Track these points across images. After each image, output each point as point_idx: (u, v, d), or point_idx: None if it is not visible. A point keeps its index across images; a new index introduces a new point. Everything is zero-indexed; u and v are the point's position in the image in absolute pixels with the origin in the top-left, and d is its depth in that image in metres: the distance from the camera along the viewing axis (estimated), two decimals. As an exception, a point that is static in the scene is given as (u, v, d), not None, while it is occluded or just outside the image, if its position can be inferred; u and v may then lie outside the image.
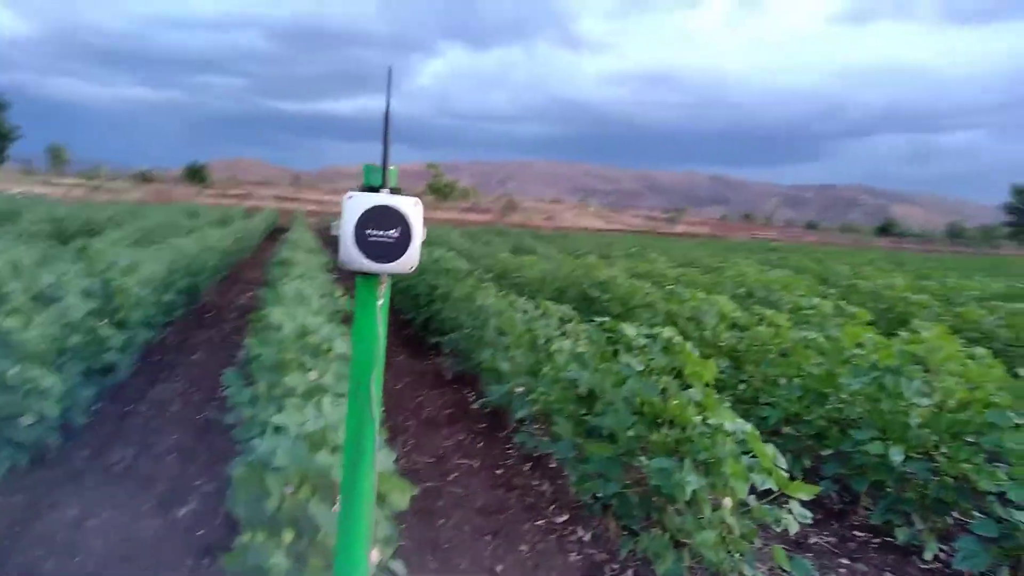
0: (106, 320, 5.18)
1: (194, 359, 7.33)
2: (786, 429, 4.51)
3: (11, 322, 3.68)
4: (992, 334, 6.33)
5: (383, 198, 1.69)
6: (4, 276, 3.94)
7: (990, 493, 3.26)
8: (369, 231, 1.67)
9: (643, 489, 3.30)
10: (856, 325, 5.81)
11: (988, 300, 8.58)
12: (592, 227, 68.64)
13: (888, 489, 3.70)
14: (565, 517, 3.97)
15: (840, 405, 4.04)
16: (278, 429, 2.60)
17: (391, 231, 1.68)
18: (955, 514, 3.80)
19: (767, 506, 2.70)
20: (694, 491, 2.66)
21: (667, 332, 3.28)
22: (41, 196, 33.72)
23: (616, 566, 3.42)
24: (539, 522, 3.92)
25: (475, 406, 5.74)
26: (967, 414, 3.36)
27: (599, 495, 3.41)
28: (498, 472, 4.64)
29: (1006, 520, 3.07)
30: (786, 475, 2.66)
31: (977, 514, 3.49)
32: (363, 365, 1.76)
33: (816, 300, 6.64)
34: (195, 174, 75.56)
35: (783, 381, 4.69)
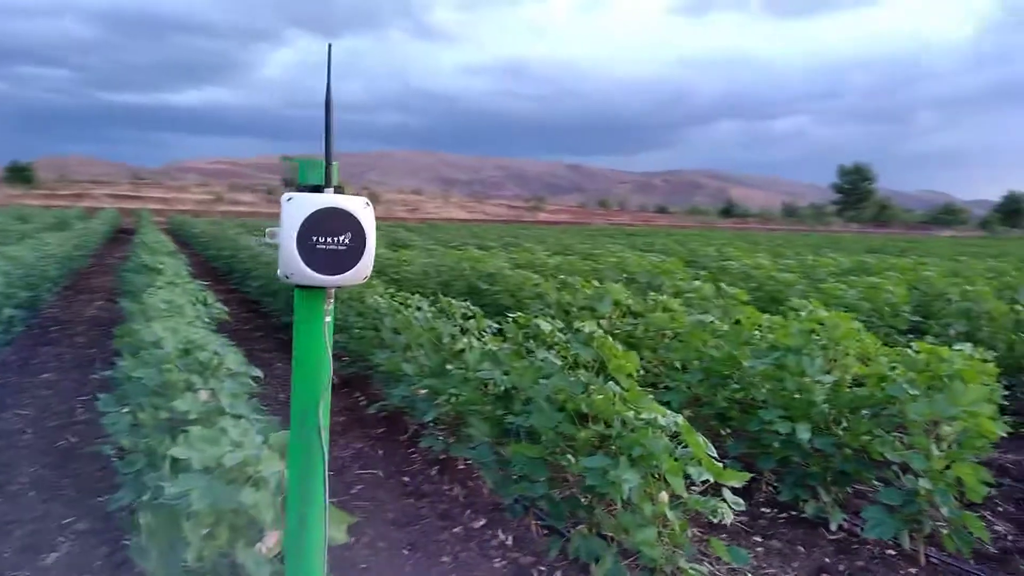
0: (-64, 344, 4.48)
1: (43, 379, 6.56)
2: (687, 412, 4.60)
3: None
4: (855, 307, 6.77)
5: (329, 199, 1.47)
6: None
7: (889, 463, 3.44)
8: (316, 238, 1.45)
9: (570, 488, 3.23)
10: (737, 305, 6.06)
11: (843, 275, 9.25)
12: (456, 217, 68.69)
13: (793, 465, 3.84)
14: (483, 521, 3.83)
15: (742, 386, 4.16)
16: (176, 462, 2.30)
17: (341, 237, 1.47)
18: (852, 485, 4.00)
19: (701, 496, 2.69)
20: (631, 489, 2.61)
21: (588, 326, 3.21)
22: None
23: (544, 568, 3.33)
24: (456, 529, 3.76)
25: (371, 411, 5.48)
26: (866, 389, 3.53)
27: (523, 497, 3.30)
28: (405, 480, 4.43)
29: (906, 487, 3.25)
30: (720, 464, 2.66)
31: (876, 483, 3.69)
32: (309, 392, 1.55)
33: (696, 283, 6.86)
34: (18, 174, 68.44)
35: (679, 365, 4.79)
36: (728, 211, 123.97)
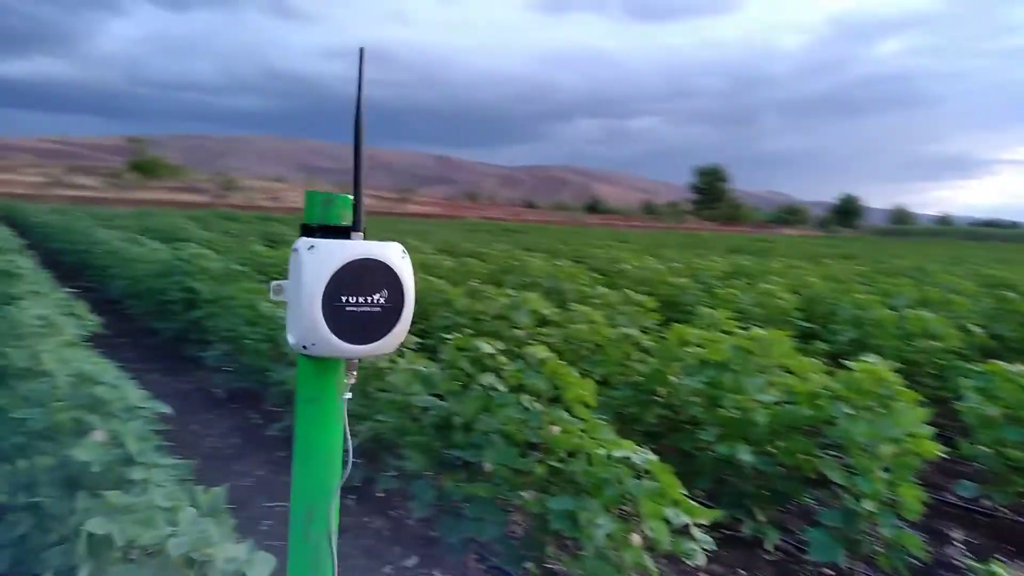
0: None
1: None
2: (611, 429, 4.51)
3: None
4: (749, 313, 6.99)
5: (363, 247, 1.16)
6: None
7: (826, 482, 3.47)
8: (345, 298, 1.14)
9: (520, 526, 3.02)
10: (644, 313, 6.07)
11: (727, 278, 9.58)
12: (323, 208, 66.60)
13: (729, 485, 3.82)
14: (415, 559, 3.55)
15: (674, 404, 4.10)
16: (92, 540, 1.87)
17: (376, 296, 1.16)
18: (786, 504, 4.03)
19: (673, 537, 2.56)
20: (606, 535, 2.44)
21: (542, 352, 3.01)
22: None
23: (490, 611, 3.11)
24: (387, 569, 3.46)
25: (271, 432, 5.02)
26: (804, 407, 3.55)
27: (472, 539, 3.06)
28: (318, 511, 4.06)
29: (848, 508, 3.29)
30: (693, 502, 2.54)
31: (809, 501, 3.73)
32: (317, 488, 1.24)
33: (602, 289, 6.83)
34: None
35: (601, 379, 4.70)
36: (593, 207, 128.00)
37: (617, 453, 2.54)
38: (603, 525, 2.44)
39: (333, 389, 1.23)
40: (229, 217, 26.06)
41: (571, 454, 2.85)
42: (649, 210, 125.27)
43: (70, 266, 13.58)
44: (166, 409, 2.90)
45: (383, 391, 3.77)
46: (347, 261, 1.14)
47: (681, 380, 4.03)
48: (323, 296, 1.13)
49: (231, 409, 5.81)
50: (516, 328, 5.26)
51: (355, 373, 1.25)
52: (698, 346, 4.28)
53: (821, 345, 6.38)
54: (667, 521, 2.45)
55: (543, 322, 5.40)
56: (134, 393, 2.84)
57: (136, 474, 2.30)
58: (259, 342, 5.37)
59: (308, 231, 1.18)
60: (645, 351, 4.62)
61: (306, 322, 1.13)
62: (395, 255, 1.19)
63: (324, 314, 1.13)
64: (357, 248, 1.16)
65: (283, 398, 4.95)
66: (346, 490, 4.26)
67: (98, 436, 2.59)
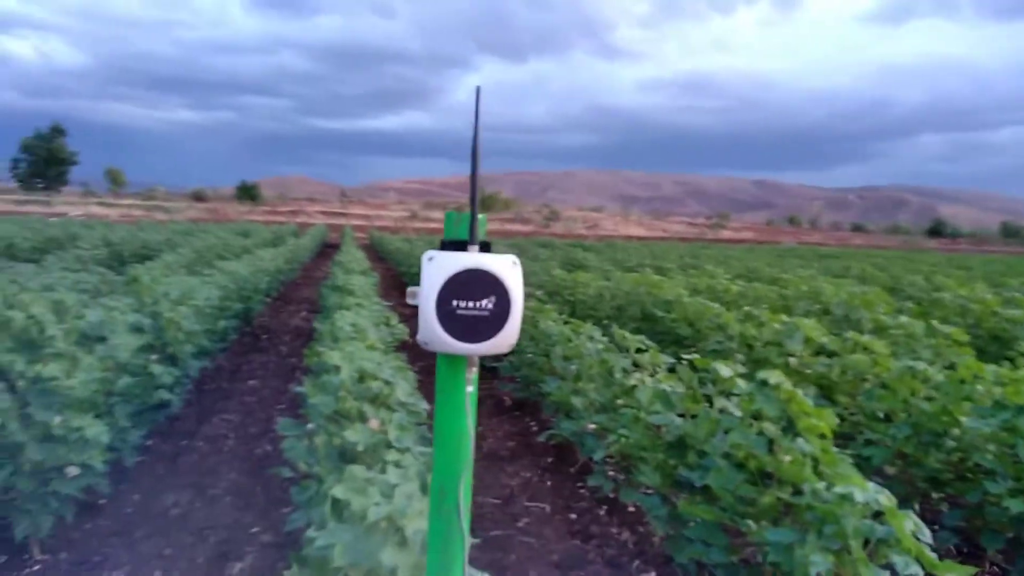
0: (157, 356, 4.97)
1: (249, 386, 7.13)
2: (891, 470, 4.07)
3: (53, 369, 3.46)
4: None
5: (472, 258, 1.35)
6: (46, 319, 3.73)
7: None
8: (456, 302, 1.34)
9: (751, 555, 2.92)
10: (952, 346, 5.33)
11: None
12: (635, 235, 67.95)
13: (1026, 548, 3.25)
14: (652, 575, 3.59)
15: (960, 448, 3.59)
16: (336, 504, 2.29)
17: (483, 301, 1.34)
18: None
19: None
20: (820, 573, 2.28)
21: (774, 377, 2.89)
22: (102, 218, 36.09)
23: (717, 638, 3.03)
24: (623, 580, 3.55)
25: (540, 439, 5.39)
26: None
27: (700, 562, 3.03)
28: (572, 517, 4.28)
29: None
30: (933, 555, 2.25)
31: None
32: (448, 469, 1.43)
33: (903, 319, 6.14)
34: (246, 192, 77.45)
35: (882, 415, 4.26)
36: (936, 230, 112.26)
37: (839, 489, 2.36)
38: (817, 563, 2.29)
39: (461, 382, 1.42)
40: (544, 244, 27.91)
41: (812, 491, 2.70)
42: (1009, 232, 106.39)
43: (408, 284, 15.76)
44: (426, 405, 3.36)
45: (629, 407, 3.88)
46: (459, 270, 1.33)
47: (970, 422, 3.53)
48: (437, 299, 1.33)
49: (513, 416, 6.34)
50: (789, 355, 5.00)
51: (475, 370, 1.42)
52: (998, 384, 3.71)
53: None
54: (893, 570, 2.21)
55: (820, 350, 5.05)
56: (404, 390, 3.34)
57: (390, 456, 2.72)
58: (537, 356, 5.81)
59: (443, 246, 1.40)
60: (937, 388, 4.10)
61: (425, 321, 1.35)
62: (504, 266, 1.35)
63: (439, 315, 1.33)
64: (469, 259, 1.34)
65: (553, 408, 5.29)
66: (598, 501, 4.44)
67: (374, 424, 3.10)
